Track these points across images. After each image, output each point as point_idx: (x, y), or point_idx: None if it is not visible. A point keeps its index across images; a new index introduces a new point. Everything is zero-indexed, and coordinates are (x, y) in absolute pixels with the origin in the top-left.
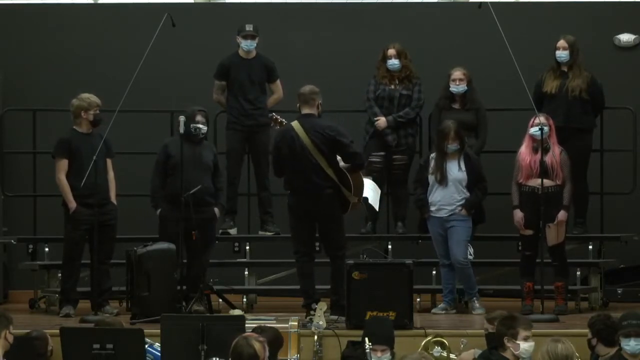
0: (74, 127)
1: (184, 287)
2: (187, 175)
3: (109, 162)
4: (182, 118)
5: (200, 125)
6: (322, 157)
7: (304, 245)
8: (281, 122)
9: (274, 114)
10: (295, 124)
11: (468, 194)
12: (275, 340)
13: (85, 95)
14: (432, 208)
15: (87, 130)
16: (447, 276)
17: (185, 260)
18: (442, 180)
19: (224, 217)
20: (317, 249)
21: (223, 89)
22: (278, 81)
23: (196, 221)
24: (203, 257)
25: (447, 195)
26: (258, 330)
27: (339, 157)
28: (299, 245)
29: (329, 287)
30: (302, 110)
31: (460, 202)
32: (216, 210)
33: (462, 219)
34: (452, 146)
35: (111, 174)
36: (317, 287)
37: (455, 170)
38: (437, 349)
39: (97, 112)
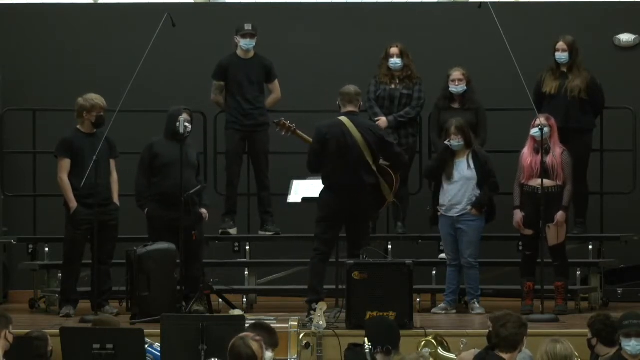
0: (78, 126)
1: (184, 287)
2: (176, 175)
3: (112, 162)
4: (182, 118)
5: (186, 124)
6: (370, 154)
7: (327, 246)
8: (289, 127)
9: (282, 119)
10: (344, 119)
11: (479, 192)
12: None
13: (91, 96)
14: (443, 207)
15: (90, 130)
16: (452, 276)
17: (178, 261)
18: (449, 177)
19: (224, 217)
20: None
21: (221, 89)
22: (276, 81)
23: (188, 221)
24: (199, 256)
25: (458, 195)
26: (253, 327)
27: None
28: (322, 244)
29: (328, 287)
30: (344, 108)
31: (471, 201)
32: (204, 211)
33: (473, 219)
34: (454, 142)
35: (114, 175)
36: None
37: (464, 169)
38: (426, 349)
39: (101, 114)
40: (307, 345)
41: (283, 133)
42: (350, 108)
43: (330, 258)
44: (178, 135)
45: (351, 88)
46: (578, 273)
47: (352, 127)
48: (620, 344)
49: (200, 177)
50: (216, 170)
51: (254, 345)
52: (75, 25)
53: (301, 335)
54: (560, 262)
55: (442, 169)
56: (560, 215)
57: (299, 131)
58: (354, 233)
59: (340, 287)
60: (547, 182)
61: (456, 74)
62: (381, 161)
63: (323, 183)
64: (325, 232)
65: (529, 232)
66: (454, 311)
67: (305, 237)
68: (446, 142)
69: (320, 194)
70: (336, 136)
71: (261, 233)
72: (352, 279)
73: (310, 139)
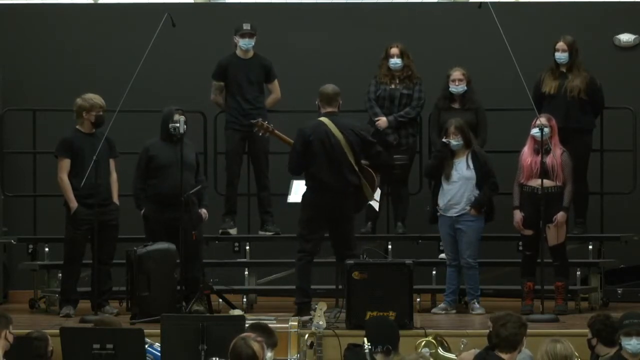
0: (77, 126)
1: (184, 287)
2: (173, 176)
3: (112, 162)
4: (182, 118)
5: (177, 124)
6: (352, 154)
7: (313, 246)
8: (267, 127)
9: (259, 119)
10: (326, 120)
11: (478, 193)
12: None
13: (90, 95)
14: (441, 207)
15: (89, 130)
16: (452, 276)
17: (178, 261)
18: (448, 177)
19: (224, 217)
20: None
21: (221, 89)
22: (276, 81)
23: (186, 221)
24: (199, 257)
25: (457, 195)
26: (252, 328)
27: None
28: (307, 244)
29: (328, 287)
30: (324, 109)
31: (470, 201)
32: (204, 212)
33: (472, 220)
34: (453, 141)
35: (114, 175)
36: (316, 287)
37: (464, 169)
38: (426, 349)
39: (100, 113)
40: (312, 345)
41: (261, 134)
42: (329, 109)
43: (315, 259)
44: (174, 135)
45: (329, 88)
46: (578, 273)
47: (334, 128)
48: (620, 344)
49: (201, 177)
50: (216, 170)
51: (255, 346)
52: (75, 25)
53: (306, 336)
54: (560, 262)
55: (442, 166)
56: (560, 215)
57: (277, 131)
58: (340, 234)
59: (339, 287)
60: (547, 183)
61: (456, 74)
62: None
63: (306, 184)
64: (311, 232)
65: (529, 232)
66: (454, 311)
67: None
68: (444, 140)
69: (303, 195)
70: (320, 137)
71: (261, 233)
72: (352, 279)
73: (290, 140)
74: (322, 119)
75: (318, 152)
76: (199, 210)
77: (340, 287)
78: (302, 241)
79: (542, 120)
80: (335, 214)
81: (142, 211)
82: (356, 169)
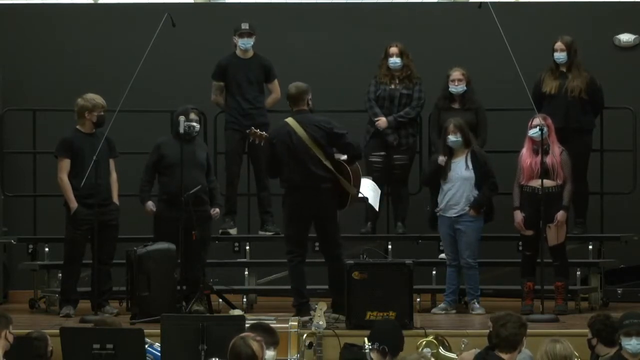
0: (77, 126)
1: (184, 287)
2: (183, 175)
3: (111, 162)
4: (182, 118)
5: (194, 124)
6: (320, 150)
7: (299, 246)
8: (261, 135)
9: (252, 128)
10: (290, 120)
11: (477, 193)
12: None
13: (91, 95)
14: (441, 207)
15: (89, 130)
16: (452, 276)
17: (179, 260)
18: (446, 177)
19: (224, 217)
20: (317, 248)
21: (221, 89)
22: (276, 81)
23: (186, 221)
24: (201, 256)
25: (456, 195)
26: (252, 328)
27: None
28: (294, 246)
29: (327, 287)
30: (293, 109)
31: (469, 202)
32: (217, 211)
33: (472, 220)
34: (452, 137)
35: (114, 175)
36: (316, 287)
37: (462, 169)
38: (427, 349)
39: (101, 113)
40: (310, 345)
41: (257, 142)
42: (297, 108)
43: (305, 258)
44: (181, 135)
45: (292, 89)
46: (578, 273)
47: (296, 126)
48: (620, 344)
49: (212, 177)
50: (216, 170)
51: (254, 345)
52: (75, 25)
53: (304, 335)
54: (560, 262)
55: (438, 174)
56: (561, 214)
57: None
58: (323, 232)
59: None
60: (548, 182)
61: (456, 74)
62: (337, 156)
63: (281, 186)
64: (295, 232)
65: (529, 232)
66: (454, 311)
67: None
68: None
69: (282, 197)
70: (282, 138)
71: (261, 233)
72: (352, 279)
73: None
74: (287, 119)
75: (282, 153)
76: (211, 210)
77: (338, 287)
78: (288, 242)
79: (539, 120)
80: (312, 212)
81: (147, 205)
82: (326, 163)
